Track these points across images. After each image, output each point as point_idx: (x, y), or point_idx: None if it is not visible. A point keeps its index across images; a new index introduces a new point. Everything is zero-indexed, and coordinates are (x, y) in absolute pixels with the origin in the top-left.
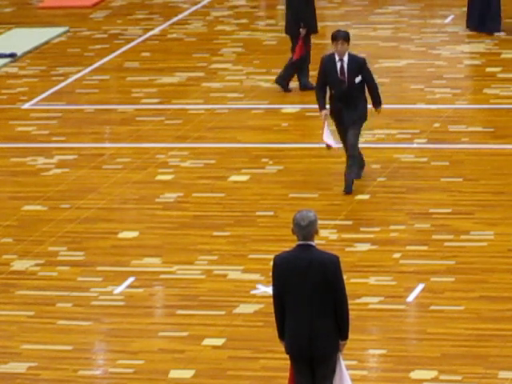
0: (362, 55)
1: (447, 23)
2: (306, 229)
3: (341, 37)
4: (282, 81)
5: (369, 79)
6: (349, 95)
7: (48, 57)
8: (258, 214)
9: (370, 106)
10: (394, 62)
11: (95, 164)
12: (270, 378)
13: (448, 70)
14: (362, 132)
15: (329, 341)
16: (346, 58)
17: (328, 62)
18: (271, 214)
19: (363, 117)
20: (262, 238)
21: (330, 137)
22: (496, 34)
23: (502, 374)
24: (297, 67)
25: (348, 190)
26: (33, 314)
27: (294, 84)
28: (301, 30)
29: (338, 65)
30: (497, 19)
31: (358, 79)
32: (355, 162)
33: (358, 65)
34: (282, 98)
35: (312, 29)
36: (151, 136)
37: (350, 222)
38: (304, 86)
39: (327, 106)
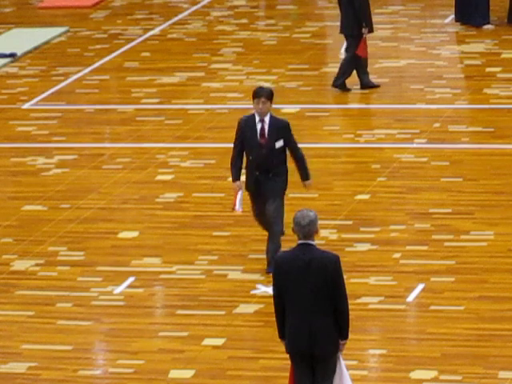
0: (284, 119)
1: (447, 23)
2: (306, 227)
3: (263, 94)
4: (340, 82)
5: (293, 146)
6: (269, 162)
7: (48, 57)
8: None
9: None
10: (394, 62)
11: (95, 164)
12: (270, 377)
13: (448, 69)
14: (283, 202)
15: (329, 340)
16: (267, 119)
17: (246, 124)
18: None
19: (284, 187)
20: (262, 238)
21: (240, 202)
22: (485, 27)
23: (502, 374)
24: (355, 66)
25: (269, 270)
26: (33, 314)
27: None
28: (363, 29)
29: (259, 126)
30: (484, 12)
31: (279, 144)
32: (278, 237)
33: (281, 127)
34: (282, 98)
35: (371, 28)
36: (151, 136)
37: (349, 222)
38: (366, 84)
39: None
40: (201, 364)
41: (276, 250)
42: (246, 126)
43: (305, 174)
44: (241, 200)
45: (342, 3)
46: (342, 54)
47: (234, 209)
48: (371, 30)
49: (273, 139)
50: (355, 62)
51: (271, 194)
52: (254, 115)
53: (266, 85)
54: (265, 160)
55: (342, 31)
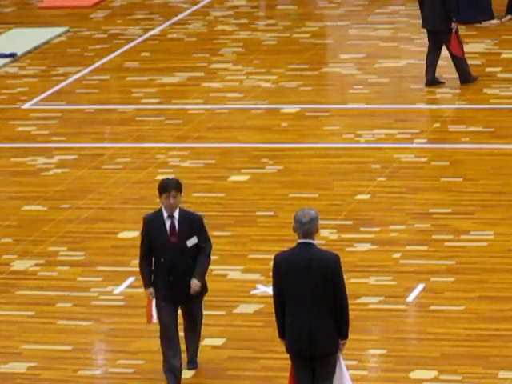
0: (198, 212)
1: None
2: (307, 225)
3: (173, 187)
4: (467, 78)
5: (202, 246)
6: (183, 263)
7: (48, 57)
8: (257, 213)
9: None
10: (394, 61)
11: (95, 164)
12: (270, 377)
13: (448, 69)
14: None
15: (329, 340)
16: (176, 215)
17: (153, 222)
18: (271, 213)
19: (204, 292)
20: (262, 237)
21: (155, 312)
22: (484, 22)
23: (502, 374)
24: (464, 59)
25: (190, 367)
26: (33, 314)
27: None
28: (453, 24)
29: (168, 223)
30: (485, 7)
31: (191, 242)
32: (199, 337)
33: (193, 223)
34: (282, 98)
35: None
36: (151, 136)
37: (349, 222)
38: (431, 81)
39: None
40: (201, 364)
41: (197, 348)
42: (152, 225)
43: (197, 274)
44: (156, 310)
45: None
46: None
47: (150, 321)
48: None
49: (185, 237)
50: (457, 55)
51: (191, 300)
52: (160, 211)
53: (171, 176)
54: (178, 262)
55: (426, 25)
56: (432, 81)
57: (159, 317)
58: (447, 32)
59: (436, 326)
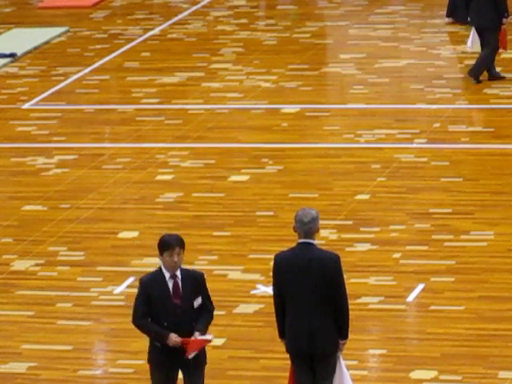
0: (199, 270)
1: (447, 23)
2: (307, 225)
3: (178, 243)
4: (491, 74)
5: (205, 303)
6: (188, 326)
7: (48, 57)
8: (257, 213)
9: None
10: (394, 61)
11: (95, 164)
12: (270, 377)
13: (448, 69)
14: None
15: (329, 339)
16: (179, 273)
17: (154, 284)
18: (271, 213)
19: (204, 359)
20: (262, 237)
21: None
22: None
23: (502, 374)
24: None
25: None
26: (33, 314)
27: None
28: (504, 20)
29: (170, 284)
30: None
31: (197, 302)
32: None
33: (197, 282)
34: (282, 98)
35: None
36: (151, 136)
37: (350, 222)
38: (493, 76)
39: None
40: None
41: None
42: (153, 287)
43: (200, 326)
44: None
45: None
46: (470, 48)
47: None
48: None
49: (190, 297)
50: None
51: (194, 369)
52: (160, 271)
53: (174, 232)
54: (183, 324)
55: (473, 23)
56: (495, 75)
57: None
58: (494, 29)
59: (436, 326)
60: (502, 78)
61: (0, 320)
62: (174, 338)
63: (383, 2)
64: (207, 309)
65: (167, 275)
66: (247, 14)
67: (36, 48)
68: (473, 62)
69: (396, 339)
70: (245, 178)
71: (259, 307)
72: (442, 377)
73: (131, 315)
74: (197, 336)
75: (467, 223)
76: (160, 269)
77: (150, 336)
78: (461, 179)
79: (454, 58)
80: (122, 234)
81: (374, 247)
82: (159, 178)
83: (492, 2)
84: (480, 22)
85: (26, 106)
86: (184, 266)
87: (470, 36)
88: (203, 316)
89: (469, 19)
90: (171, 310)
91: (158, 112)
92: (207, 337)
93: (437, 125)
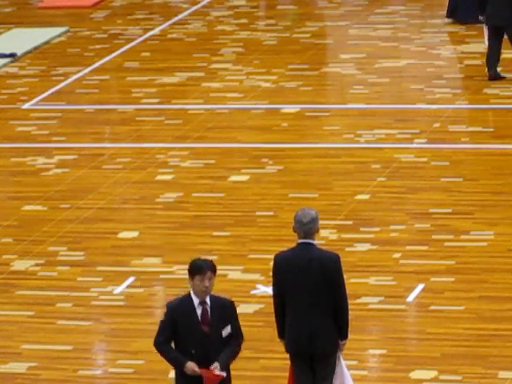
0: (227, 297)
1: (447, 23)
2: (307, 225)
3: (209, 268)
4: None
5: (234, 333)
6: (216, 355)
7: (48, 57)
8: (257, 213)
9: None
10: (394, 62)
11: (95, 164)
12: (270, 377)
13: (448, 69)
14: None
15: (329, 339)
16: (208, 300)
17: (181, 310)
18: (271, 213)
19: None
20: (262, 237)
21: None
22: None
23: (502, 374)
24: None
25: None
26: (33, 314)
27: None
28: None
29: (199, 311)
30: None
31: (226, 331)
32: None
33: (226, 310)
34: (282, 97)
35: None
36: (151, 136)
37: (350, 222)
38: (495, 76)
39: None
40: None
41: None
42: (181, 313)
43: (223, 358)
44: (212, 369)
45: None
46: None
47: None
48: None
49: (219, 325)
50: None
51: None
52: (189, 297)
53: (204, 257)
54: (212, 354)
55: (491, 22)
56: (496, 75)
57: None
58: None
59: (436, 326)
60: (503, 78)
61: (0, 320)
62: (191, 367)
63: (383, 1)
64: (235, 340)
65: (196, 301)
66: (247, 14)
67: (36, 48)
68: (473, 61)
69: (396, 339)
70: (245, 177)
71: (259, 307)
72: (441, 377)
73: (154, 337)
74: (216, 366)
75: (467, 223)
76: (189, 294)
77: (169, 362)
78: (461, 179)
79: (454, 57)
80: (122, 234)
81: (374, 247)
82: (159, 177)
83: (509, 1)
84: (498, 21)
85: (25, 105)
86: (213, 293)
87: (485, 34)
88: (229, 347)
89: (480, 18)
90: (199, 338)
91: (157, 112)
92: (223, 373)
93: (437, 125)
